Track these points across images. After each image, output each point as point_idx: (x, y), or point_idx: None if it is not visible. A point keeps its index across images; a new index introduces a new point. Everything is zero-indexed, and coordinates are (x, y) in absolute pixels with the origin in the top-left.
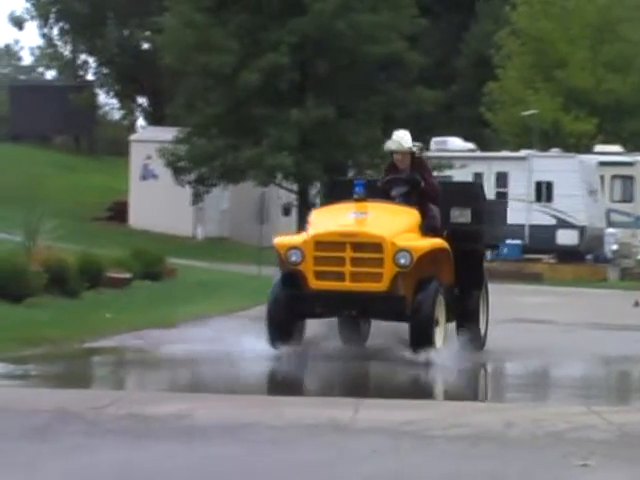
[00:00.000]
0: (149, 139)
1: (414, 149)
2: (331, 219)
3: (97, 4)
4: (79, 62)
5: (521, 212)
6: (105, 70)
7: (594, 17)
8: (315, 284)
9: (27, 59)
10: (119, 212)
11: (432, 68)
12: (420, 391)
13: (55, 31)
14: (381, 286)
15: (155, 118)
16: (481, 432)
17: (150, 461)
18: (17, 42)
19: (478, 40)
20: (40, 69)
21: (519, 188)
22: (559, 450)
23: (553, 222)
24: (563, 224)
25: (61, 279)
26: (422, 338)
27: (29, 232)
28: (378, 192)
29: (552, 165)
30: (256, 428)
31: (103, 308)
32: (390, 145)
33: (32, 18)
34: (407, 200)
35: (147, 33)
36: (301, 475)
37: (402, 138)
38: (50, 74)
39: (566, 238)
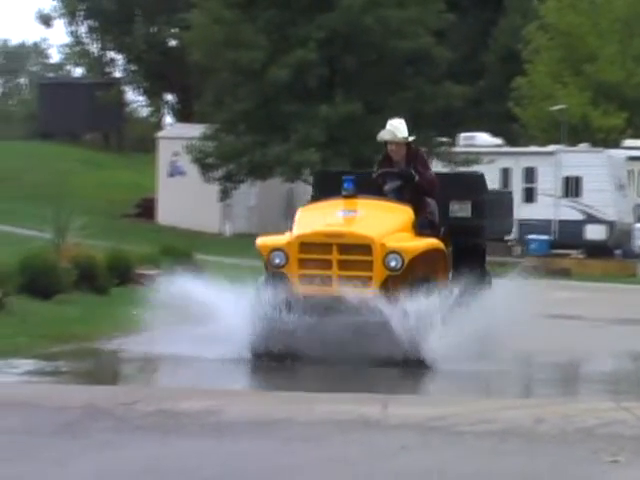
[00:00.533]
0: (177, 136)
1: (410, 139)
2: (317, 218)
3: (125, 1)
4: (107, 59)
5: (549, 207)
6: (133, 67)
7: (623, 11)
8: (300, 289)
9: (55, 57)
10: (147, 209)
11: (460, 63)
12: (447, 388)
13: (83, 29)
14: (368, 292)
15: (183, 115)
16: (510, 428)
17: (179, 457)
18: (45, 40)
19: (506, 35)
20: (68, 67)
21: (547, 183)
22: (589, 446)
23: (581, 217)
24: (591, 219)
25: (90, 276)
26: (414, 345)
27: (59, 229)
28: (371, 186)
29: (581, 160)
30: (286, 424)
31: (132, 304)
32: (383, 135)
33: (60, 16)
34: (400, 195)
35: (175, 30)
36: (332, 471)
37: (396, 127)
38: (78, 72)
39: (594, 233)
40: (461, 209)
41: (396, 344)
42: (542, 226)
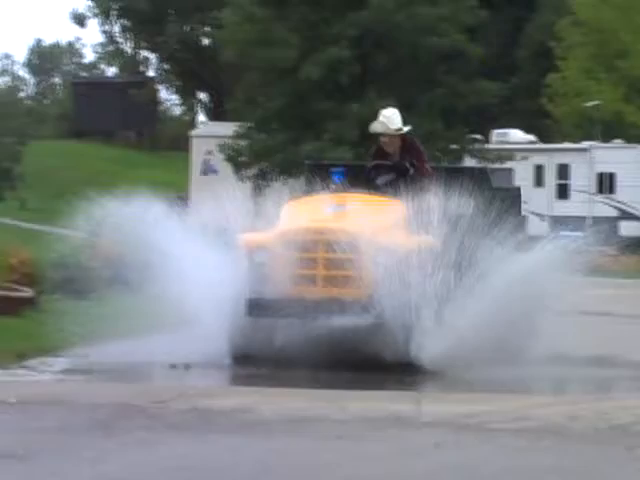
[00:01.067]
0: (210, 134)
1: (404, 130)
2: (303, 213)
3: (158, 1)
4: (140, 58)
5: (583, 204)
6: (166, 66)
7: None
8: (284, 289)
9: (89, 56)
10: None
11: (492, 60)
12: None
13: (117, 28)
14: (358, 293)
15: (216, 113)
16: (544, 425)
17: (214, 455)
18: (79, 40)
19: (539, 31)
20: (102, 66)
21: (581, 180)
22: (623, 443)
23: (615, 214)
24: (626, 215)
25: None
26: (406, 350)
27: (93, 228)
28: (364, 180)
29: (614, 156)
30: (320, 422)
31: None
32: (375, 127)
33: (94, 15)
34: (394, 189)
35: (207, 29)
36: (366, 468)
37: (389, 118)
38: (112, 71)
39: (629, 229)
40: (462, 206)
41: (389, 346)
42: (576, 222)
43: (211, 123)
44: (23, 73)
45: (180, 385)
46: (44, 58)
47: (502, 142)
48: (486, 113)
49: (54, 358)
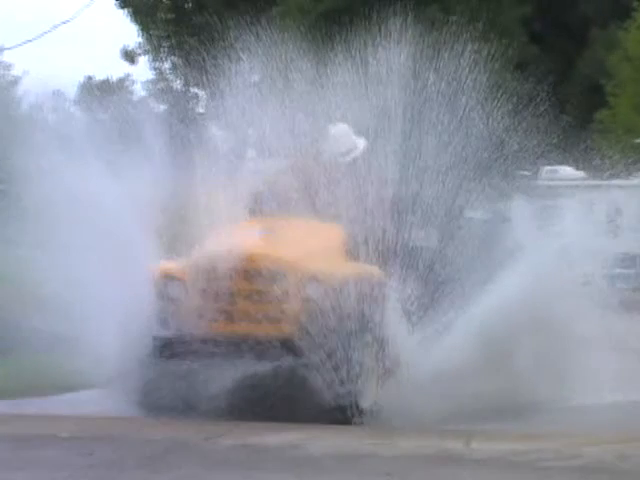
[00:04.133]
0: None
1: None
2: (224, 238)
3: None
4: (190, 95)
5: (636, 241)
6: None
7: None
8: (197, 327)
9: (139, 93)
10: None
11: (542, 96)
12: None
13: (167, 65)
14: (283, 329)
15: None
16: (594, 463)
17: None
18: (129, 76)
19: (590, 67)
20: (152, 103)
21: (632, 217)
22: None
23: None
24: None
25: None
26: (340, 392)
27: None
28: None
29: None
30: (369, 459)
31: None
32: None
33: (144, 53)
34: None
35: None
36: None
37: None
38: (161, 108)
39: None
40: (426, 237)
41: (319, 392)
42: (627, 260)
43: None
44: (74, 110)
45: (230, 421)
46: (94, 95)
47: (552, 179)
48: (535, 149)
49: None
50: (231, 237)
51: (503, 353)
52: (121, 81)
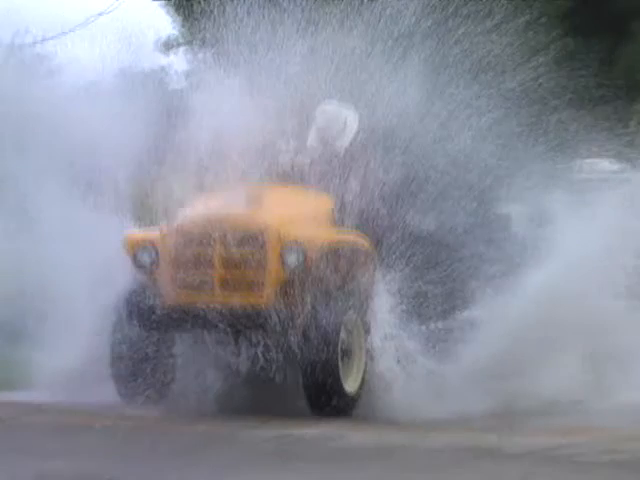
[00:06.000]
0: None
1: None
2: (204, 205)
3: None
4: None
5: None
6: None
7: None
8: (172, 297)
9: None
10: None
11: (581, 89)
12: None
13: (202, 55)
14: (260, 299)
15: None
16: (632, 459)
17: None
18: (164, 68)
19: (630, 60)
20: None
21: None
22: None
23: None
24: None
25: None
26: (320, 380)
27: None
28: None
29: None
30: (408, 451)
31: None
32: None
33: (179, 44)
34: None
35: None
36: None
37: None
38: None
39: None
40: (427, 220)
41: (297, 369)
42: None
43: None
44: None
45: (266, 412)
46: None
47: (591, 172)
48: (575, 142)
49: None
50: (210, 202)
51: (543, 348)
52: (156, 72)
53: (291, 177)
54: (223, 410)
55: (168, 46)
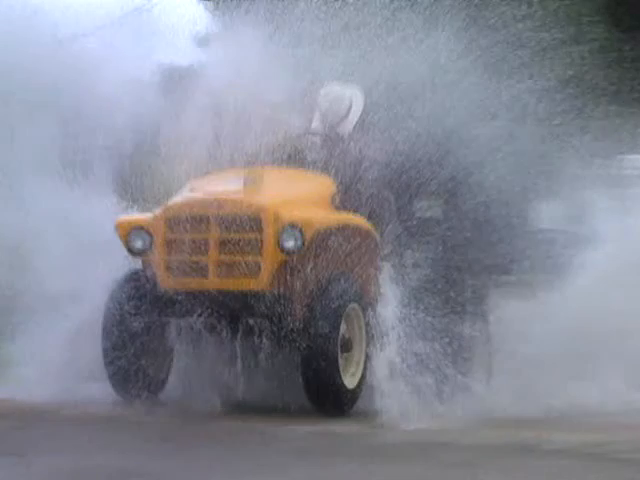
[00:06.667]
0: None
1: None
2: (201, 187)
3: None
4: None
5: None
6: None
7: None
8: (166, 283)
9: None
10: None
11: (623, 83)
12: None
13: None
14: (258, 283)
15: None
16: None
17: (341, 478)
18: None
19: None
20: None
21: None
22: None
23: None
24: None
25: None
26: (320, 369)
27: None
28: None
29: None
30: (447, 447)
31: None
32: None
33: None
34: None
35: None
36: None
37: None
38: None
39: None
40: (431, 207)
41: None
42: None
43: None
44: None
45: (303, 408)
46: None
47: (634, 167)
48: (616, 138)
49: None
50: (206, 185)
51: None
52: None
53: (293, 160)
54: (226, 404)
55: (205, 41)
